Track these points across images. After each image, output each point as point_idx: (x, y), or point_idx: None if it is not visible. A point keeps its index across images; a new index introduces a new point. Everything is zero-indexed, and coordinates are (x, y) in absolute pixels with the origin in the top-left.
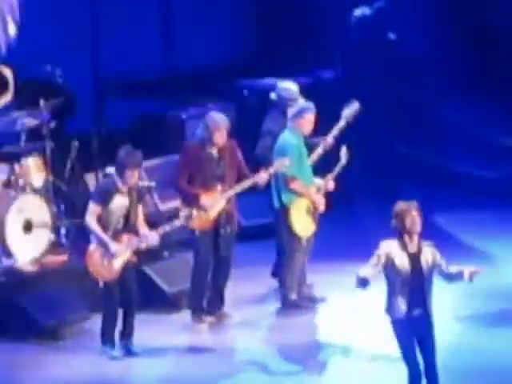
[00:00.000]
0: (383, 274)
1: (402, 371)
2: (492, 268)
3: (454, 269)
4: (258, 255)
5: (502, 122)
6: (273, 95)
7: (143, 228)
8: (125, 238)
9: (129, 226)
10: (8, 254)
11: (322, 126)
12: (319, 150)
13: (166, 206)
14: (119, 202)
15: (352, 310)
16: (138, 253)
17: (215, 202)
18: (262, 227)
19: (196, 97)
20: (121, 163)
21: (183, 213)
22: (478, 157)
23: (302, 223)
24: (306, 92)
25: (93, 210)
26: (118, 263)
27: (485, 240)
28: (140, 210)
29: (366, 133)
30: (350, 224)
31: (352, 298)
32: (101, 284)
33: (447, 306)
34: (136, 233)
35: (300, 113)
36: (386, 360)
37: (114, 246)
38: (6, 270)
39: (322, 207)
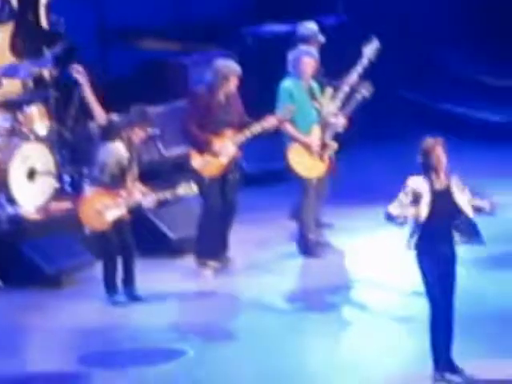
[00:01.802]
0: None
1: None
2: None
3: (476, 201)
4: (263, 201)
5: (504, 65)
6: (295, 35)
7: (137, 186)
8: (123, 192)
9: (124, 180)
10: (12, 201)
11: (328, 70)
12: (345, 89)
13: (170, 153)
14: (118, 148)
15: (367, 253)
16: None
17: (227, 147)
18: (267, 173)
19: (199, 44)
20: (130, 120)
21: (184, 185)
22: (480, 100)
23: (306, 164)
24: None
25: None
26: (111, 216)
27: (487, 182)
28: (136, 170)
29: (369, 77)
30: (356, 168)
31: (364, 241)
32: (87, 231)
33: None
34: (130, 190)
35: (296, 57)
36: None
37: None
38: (11, 218)
39: (332, 145)
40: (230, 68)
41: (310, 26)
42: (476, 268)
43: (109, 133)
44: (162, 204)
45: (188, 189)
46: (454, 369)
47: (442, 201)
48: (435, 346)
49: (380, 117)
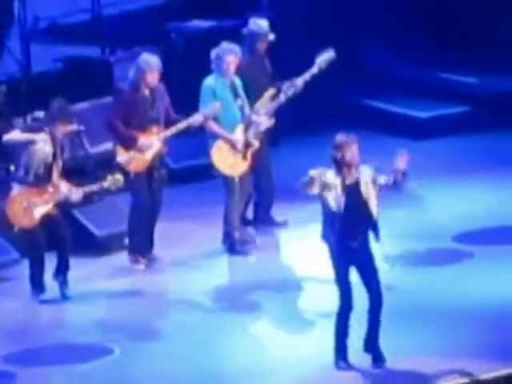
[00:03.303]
0: (320, 202)
1: None
2: (418, 208)
3: (384, 179)
4: (189, 198)
5: (431, 62)
6: (244, 30)
7: (61, 181)
8: (49, 188)
9: (50, 176)
10: None
11: None
12: (288, 93)
13: (95, 150)
14: (42, 148)
15: (293, 249)
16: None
17: (152, 143)
18: (192, 170)
19: (123, 41)
20: (52, 116)
21: (111, 177)
22: (406, 97)
23: (229, 162)
24: (234, 35)
25: (13, 132)
26: (38, 213)
27: (412, 180)
28: (60, 165)
29: (294, 74)
30: (285, 165)
31: (290, 237)
32: (16, 229)
33: (375, 246)
34: (56, 185)
35: (219, 55)
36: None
37: None
38: None
39: (255, 143)
40: (149, 62)
41: (261, 23)
42: (400, 264)
43: (32, 131)
44: (87, 201)
45: (114, 181)
46: (379, 358)
47: (352, 195)
48: (338, 334)
49: (308, 114)
